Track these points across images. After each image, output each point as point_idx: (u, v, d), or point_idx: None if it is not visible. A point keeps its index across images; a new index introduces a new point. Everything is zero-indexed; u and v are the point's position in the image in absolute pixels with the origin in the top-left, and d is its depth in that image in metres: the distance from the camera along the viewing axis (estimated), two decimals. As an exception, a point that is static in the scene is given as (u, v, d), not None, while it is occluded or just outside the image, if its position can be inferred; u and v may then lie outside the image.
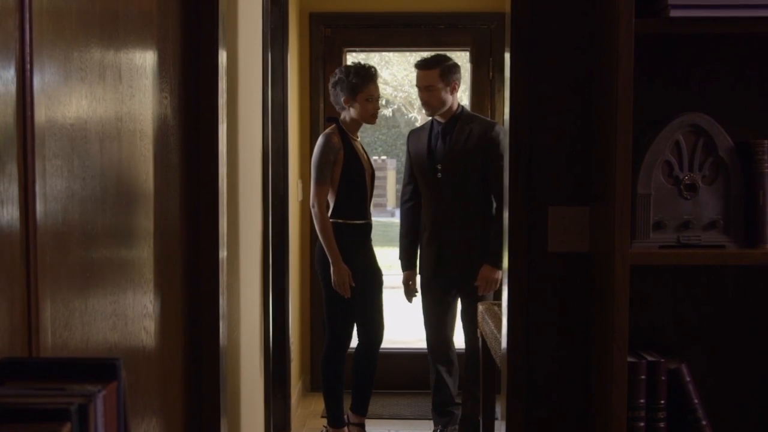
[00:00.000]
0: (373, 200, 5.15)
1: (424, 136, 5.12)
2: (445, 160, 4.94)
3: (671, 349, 2.52)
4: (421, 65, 5.03)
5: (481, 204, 4.92)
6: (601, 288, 2.39)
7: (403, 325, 9.73)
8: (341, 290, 4.79)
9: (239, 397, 3.57)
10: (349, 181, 4.88)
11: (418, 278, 5.26)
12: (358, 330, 5.08)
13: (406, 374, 6.38)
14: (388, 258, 12.42)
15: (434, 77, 4.93)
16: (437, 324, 5.20)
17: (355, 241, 4.93)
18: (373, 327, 5.10)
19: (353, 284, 4.81)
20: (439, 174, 4.95)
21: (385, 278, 5.27)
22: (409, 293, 5.32)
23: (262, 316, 4.38)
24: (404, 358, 6.58)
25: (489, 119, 5.44)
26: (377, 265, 5.16)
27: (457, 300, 5.22)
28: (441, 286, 5.12)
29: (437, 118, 5.02)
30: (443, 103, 4.94)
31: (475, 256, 4.91)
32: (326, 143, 4.86)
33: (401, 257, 5.30)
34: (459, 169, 4.91)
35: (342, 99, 4.91)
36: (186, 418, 2.65)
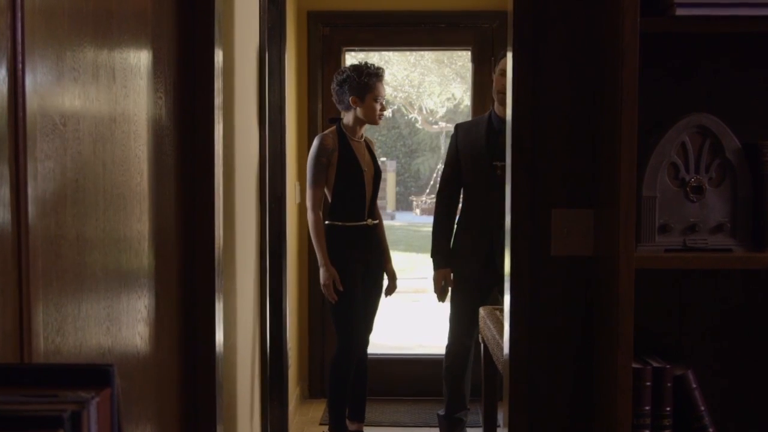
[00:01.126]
0: (374, 203, 5.15)
1: (479, 130, 5.04)
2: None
3: (677, 355, 2.52)
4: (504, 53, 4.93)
5: None
6: (606, 292, 2.39)
7: (404, 330, 9.73)
8: (326, 294, 4.84)
9: (236, 404, 3.56)
10: (344, 182, 4.91)
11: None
12: None
13: (406, 381, 6.38)
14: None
15: None
16: (466, 327, 5.11)
17: (354, 244, 4.94)
18: (363, 331, 5.11)
19: (340, 288, 4.83)
20: (499, 172, 4.83)
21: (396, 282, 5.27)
22: (444, 293, 5.18)
23: (259, 321, 4.38)
24: (405, 364, 6.59)
25: None
26: (386, 268, 5.19)
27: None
28: (482, 289, 5.05)
29: (498, 113, 4.94)
30: None
31: None
32: (319, 145, 4.92)
33: (436, 254, 5.17)
34: None
35: (349, 98, 4.93)
36: (181, 425, 2.65)
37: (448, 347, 5.24)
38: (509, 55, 2.64)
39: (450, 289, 5.18)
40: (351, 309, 4.90)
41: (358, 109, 4.94)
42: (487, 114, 5.09)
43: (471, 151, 5.03)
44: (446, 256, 5.15)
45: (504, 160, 4.80)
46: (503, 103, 4.75)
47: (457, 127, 5.22)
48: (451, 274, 5.15)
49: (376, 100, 4.96)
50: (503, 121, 4.85)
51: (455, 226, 5.20)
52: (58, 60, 1.65)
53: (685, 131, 2.28)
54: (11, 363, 1.42)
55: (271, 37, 4.85)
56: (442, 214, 5.19)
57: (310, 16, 6.26)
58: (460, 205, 5.20)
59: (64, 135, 1.67)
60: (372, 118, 4.99)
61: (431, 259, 5.21)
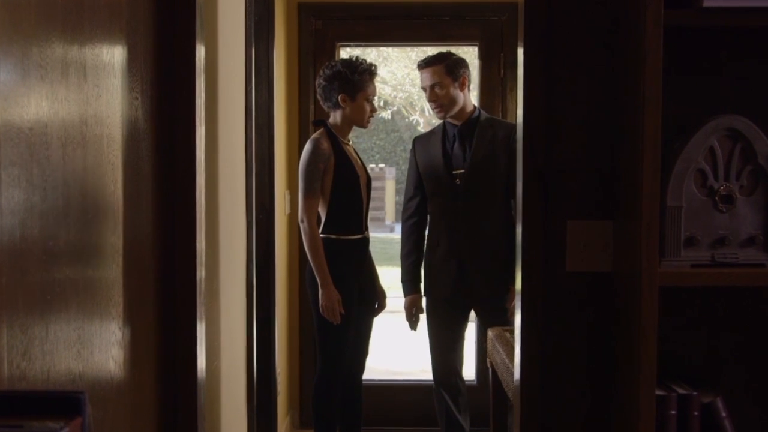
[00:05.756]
0: (370, 213, 5.13)
1: (435, 140, 5.17)
2: (466, 165, 4.96)
3: (705, 381, 2.52)
4: (423, 64, 5.11)
5: (506, 215, 4.93)
6: (626, 312, 2.39)
7: (405, 354, 9.72)
8: (329, 316, 4.77)
9: (219, 436, 3.56)
10: (341, 191, 4.85)
11: (423, 302, 5.27)
12: None
13: (407, 409, 6.37)
14: (386, 278, 12.38)
15: (440, 73, 5.01)
16: (447, 350, 5.19)
17: (350, 259, 4.90)
18: (357, 354, 5.09)
19: (342, 311, 4.79)
20: (458, 181, 4.97)
21: (388, 301, 5.27)
22: (414, 320, 5.33)
23: (245, 343, 4.37)
24: (405, 390, 6.57)
25: (512, 122, 5.43)
26: (376, 285, 5.14)
27: (467, 323, 5.23)
28: (458, 308, 5.13)
29: (451, 120, 5.09)
30: (454, 101, 5.01)
31: (500, 273, 4.91)
32: (314, 150, 4.82)
33: (405, 279, 5.30)
34: (482, 176, 4.95)
35: (338, 96, 4.88)
36: (159, 460, 2.64)
37: (432, 373, 5.32)
38: (519, 52, 2.64)
39: (424, 314, 5.32)
40: (343, 331, 4.87)
41: (346, 108, 4.91)
42: (441, 122, 5.21)
43: (429, 163, 5.15)
44: (414, 280, 5.27)
45: (462, 167, 4.94)
46: (443, 117, 5.13)
47: (415, 140, 5.41)
48: (423, 300, 5.28)
49: (367, 101, 4.92)
50: (455, 126, 5.06)
51: (425, 245, 5.29)
52: (24, 57, 1.65)
53: (714, 135, 2.28)
54: (-28, 390, 1.42)
55: (259, 31, 4.85)
56: (407, 236, 5.30)
57: (301, 8, 6.26)
58: (428, 223, 5.29)
59: (30, 139, 1.67)
60: (361, 119, 4.97)
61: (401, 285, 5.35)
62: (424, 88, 5.13)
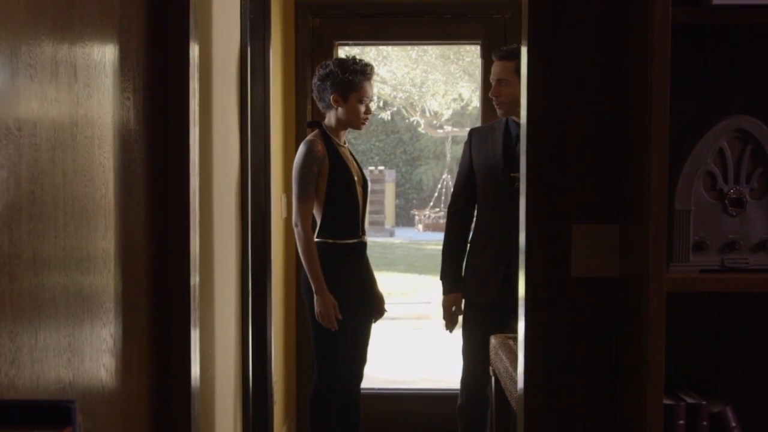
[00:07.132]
0: (370, 217, 5.12)
1: (495, 137, 5.02)
2: None
3: (714, 390, 2.52)
4: (497, 55, 4.98)
5: None
6: (633, 318, 2.38)
7: (404, 362, 9.72)
8: (325, 323, 4.76)
9: (214, 446, 3.56)
10: (337, 194, 4.84)
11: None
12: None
13: (407, 419, 6.37)
14: (386, 284, 12.37)
15: (509, 71, 4.87)
16: (483, 358, 5.04)
17: (346, 264, 4.89)
18: (354, 362, 5.08)
19: (339, 317, 4.78)
20: (517, 183, 4.80)
21: (387, 307, 5.22)
22: (453, 321, 5.17)
23: (240, 351, 4.37)
24: (406, 400, 6.56)
25: None
26: (374, 290, 5.13)
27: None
28: (498, 315, 4.96)
29: (515, 119, 4.91)
30: (516, 102, 4.78)
31: None
32: (308, 152, 4.82)
33: (445, 277, 5.15)
34: None
35: (330, 97, 4.88)
36: (152, 471, 2.64)
37: (462, 382, 5.19)
38: (523, 50, 2.64)
39: (461, 316, 5.15)
40: (340, 338, 4.86)
41: (339, 109, 4.90)
42: (504, 118, 5.05)
43: (485, 160, 5.01)
44: (457, 279, 5.12)
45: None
46: (503, 114, 4.96)
47: (471, 132, 5.22)
48: (462, 300, 5.12)
49: (360, 102, 4.89)
50: (519, 125, 4.87)
51: (468, 245, 5.15)
52: (12, 56, 1.65)
53: (723, 136, 2.28)
54: (-42, 399, 1.41)
55: (255, 30, 4.85)
56: (453, 231, 5.16)
57: (298, 6, 6.26)
58: (474, 222, 5.17)
59: (19, 141, 1.67)
60: (355, 121, 4.94)
61: (440, 282, 5.20)
62: (491, 80, 4.99)
